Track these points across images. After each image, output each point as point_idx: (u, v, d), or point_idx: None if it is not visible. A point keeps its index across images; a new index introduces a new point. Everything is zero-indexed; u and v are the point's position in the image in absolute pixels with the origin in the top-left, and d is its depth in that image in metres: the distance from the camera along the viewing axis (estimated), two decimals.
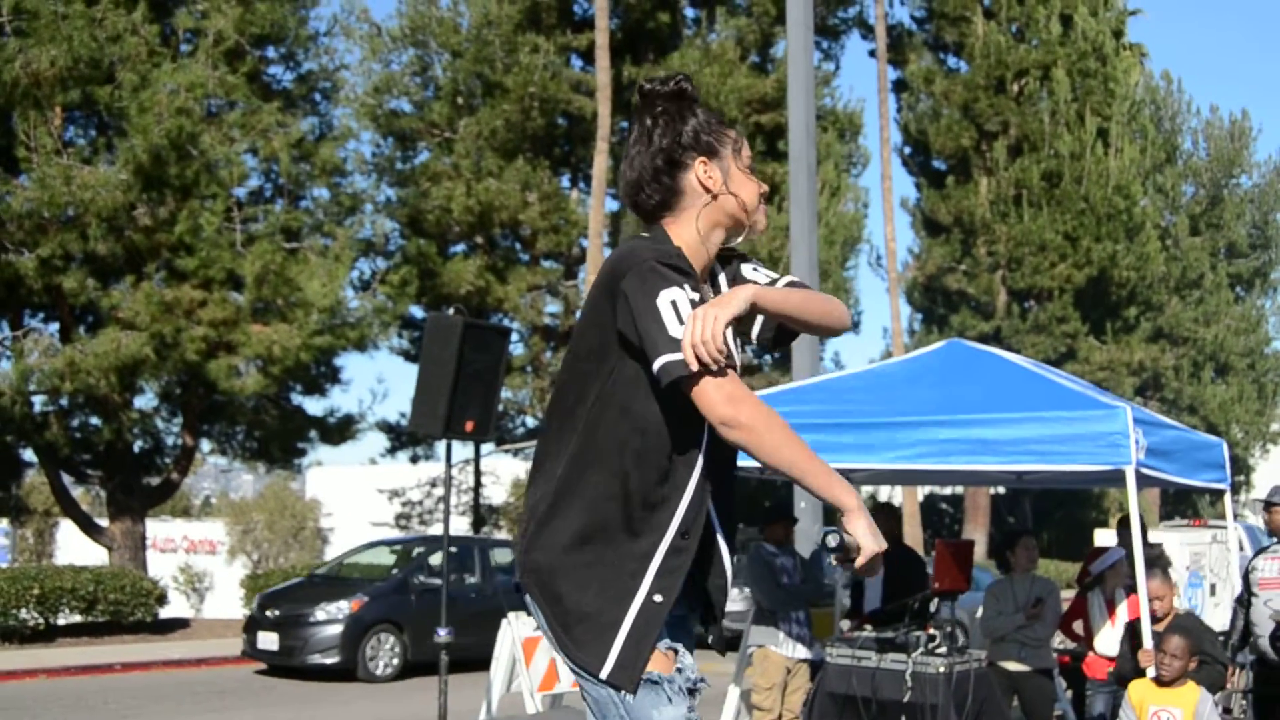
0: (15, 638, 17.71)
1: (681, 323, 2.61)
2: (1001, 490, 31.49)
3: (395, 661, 15.97)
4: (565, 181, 28.06)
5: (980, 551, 23.17)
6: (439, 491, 30.70)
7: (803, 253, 13.17)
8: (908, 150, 32.37)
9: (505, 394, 26.13)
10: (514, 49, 25.52)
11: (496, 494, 35.25)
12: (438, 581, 16.17)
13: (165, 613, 20.05)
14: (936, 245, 31.11)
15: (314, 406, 29.81)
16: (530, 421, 29.20)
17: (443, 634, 9.78)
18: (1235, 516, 9.15)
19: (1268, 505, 8.49)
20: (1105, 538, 19.41)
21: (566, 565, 2.74)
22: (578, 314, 26.32)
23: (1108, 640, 8.82)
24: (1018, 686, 8.61)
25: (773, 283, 2.97)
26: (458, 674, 15.63)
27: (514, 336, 25.68)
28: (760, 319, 3.00)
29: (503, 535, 35.69)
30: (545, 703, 9.75)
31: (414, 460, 29.66)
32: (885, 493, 33.55)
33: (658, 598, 2.72)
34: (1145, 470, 7.37)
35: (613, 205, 27.27)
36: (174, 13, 19.93)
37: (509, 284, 26.13)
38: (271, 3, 20.36)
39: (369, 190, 24.71)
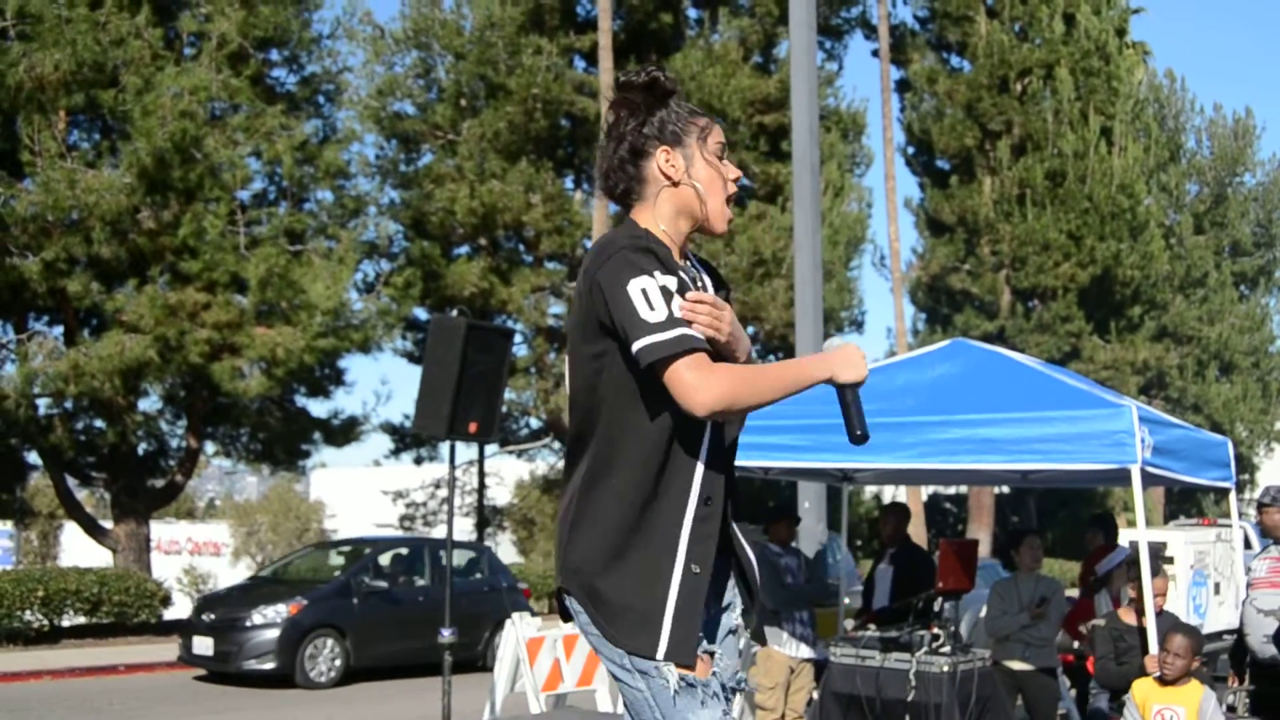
0: (20, 639, 17.74)
1: (652, 308, 2.71)
2: (1005, 490, 31.48)
3: (337, 667, 15.32)
4: (569, 183, 28.08)
5: (984, 551, 23.17)
6: (443, 493, 30.72)
7: (806, 253, 13.17)
8: (911, 150, 32.35)
9: (509, 395, 26.14)
10: (517, 51, 25.53)
11: (500, 495, 35.26)
12: (384, 584, 16.16)
13: (169, 614, 20.07)
14: (940, 245, 31.09)
15: (318, 408, 29.71)
16: (534, 423, 29.23)
17: (446, 634, 9.79)
18: (1240, 515, 9.12)
19: (1260, 506, 8.49)
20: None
21: (603, 560, 2.81)
22: None
23: None
24: (1022, 686, 8.61)
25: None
26: (403, 680, 15.38)
27: (517, 338, 25.70)
28: None
29: (507, 535, 35.75)
30: (549, 703, 9.76)
31: (418, 462, 29.67)
32: (889, 492, 33.54)
33: (695, 568, 2.79)
34: (1151, 469, 7.36)
35: (616, 207, 27.28)
36: (178, 16, 19.96)
37: (512, 285, 26.13)
38: (275, 6, 20.39)
39: (373, 192, 24.78)
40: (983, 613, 9.86)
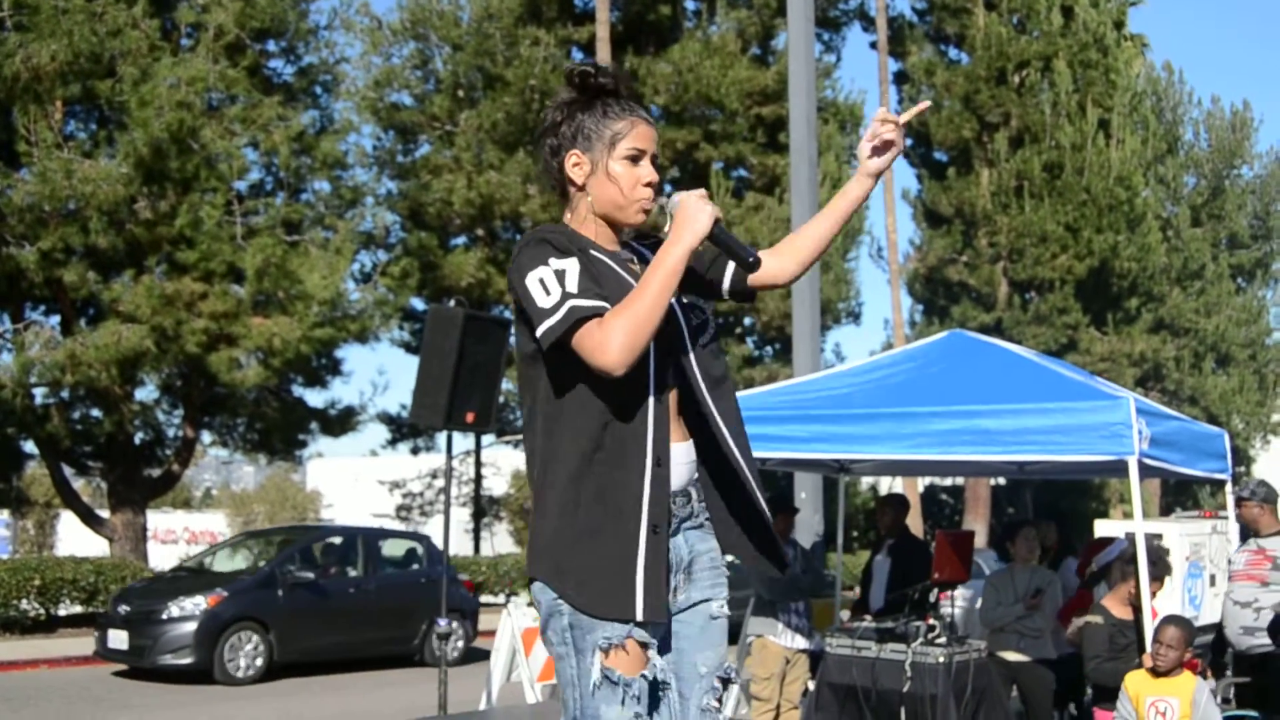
0: (16, 628, 17.76)
1: (548, 293, 2.85)
2: (1002, 481, 31.50)
3: (259, 662, 14.68)
4: None
5: (980, 542, 23.20)
6: (440, 483, 30.75)
7: None
8: (909, 142, 32.08)
9: (506, 385, 26.15)
10: (514, 42, 25.51)
11: (497, 485, 35.30)
12: (311, 575, 15.51)
13: None
14: (937, 237, 31.08)
15: (315, 398, 29.80)
16: None
17: (442, 624, 9.79)
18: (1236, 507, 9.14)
19: (1239, 500, 8.51)
20: (1106, 529, 19.40)
21: (567, 540, 2.91)
22: None
23: None
24: (1017, 677, 8.63)
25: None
26: (331, 675, 15.07)
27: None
28: (729, 272, 3.28)
29: (504, 525, 35.76)
30: (545, 693, 9.77)
31: (415, 452, 29.71)
32: (886, 484, 33.56)
33: (657, 529, 2.91)
34: (1148, 461, 7.37)
35: None
36: (175, 7, 19.93)
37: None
38: None
39: (370, 183, 24.73)
40: (978, 603, 9.88)
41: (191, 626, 14.27)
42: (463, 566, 21.69)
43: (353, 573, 16.28)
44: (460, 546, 28.88)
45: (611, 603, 2.86)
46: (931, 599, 8.24)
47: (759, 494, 3.12)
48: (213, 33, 19.20)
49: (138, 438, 21.58)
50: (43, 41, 17.30)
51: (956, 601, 11.78)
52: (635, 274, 3.04)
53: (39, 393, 19.61)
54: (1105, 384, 8.66)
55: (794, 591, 9.03)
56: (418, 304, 26.47)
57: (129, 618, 14.54)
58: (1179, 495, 38.67)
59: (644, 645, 2.91)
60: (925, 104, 3.86)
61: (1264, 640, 7.97)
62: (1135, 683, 6.91)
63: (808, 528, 11.73)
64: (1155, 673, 6.79)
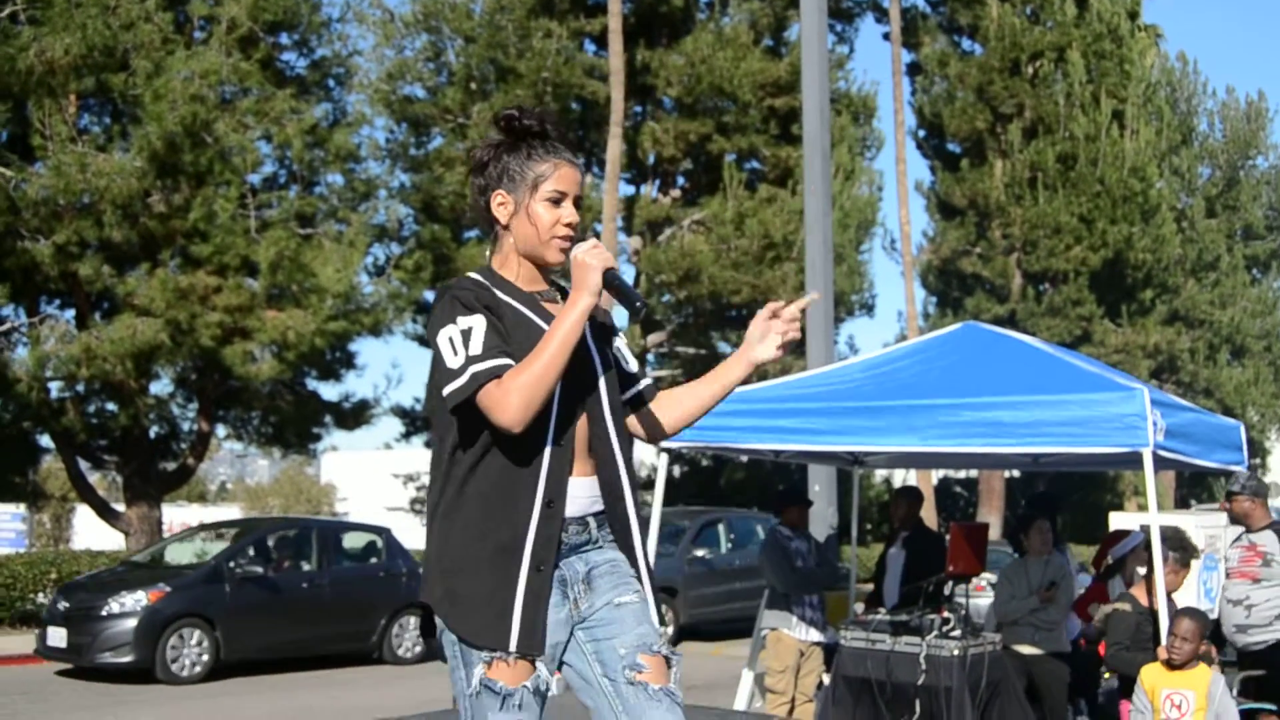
0: (33, 622, 17.81)
1: (455, 353, 3.06)
2: (1016, 473, 31.44)
3: (204, 660, 14.14)
4: None
5: (994, 535, 23.16)
6: None
7: (817, 236, 13.16)
8: (922, 133, 32.26)
9: None
10: (527, 34, 25.48)
11: None
12: (260, 569, 15.00)
13: None
14: (951, 228, 31.02)
15: (329, 391, 29.82)
16: None
17: None
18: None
19: (1230, 494, 8.47)
20: (1121, 521, 19.36)
21: (455, 570, 3.11)
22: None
23: None
24: (1031, 669, 8.61)
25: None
26: (282, 674, 14.59)
27: None
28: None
29: None
30: (560, 685, 9.75)
31: (429, 445, 29.70)
32: (900, 476, 33.54)
33: (541, 568, 3.10)
34: (1163, 452, 7.34)
35: (627, 190, 27.25)
36: (188, 0, 19.95)
37: None
38: None
39: (383, 176, 24.72)
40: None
41: (131, 623, 13.72)
42: None
43: (306, 566, 15.75)
44: None
45: (489, 634, 3.06)
46: (947, 591, 8.21)
47: (638, 530, 3.32)
48: (225, 25, 19.22)
49: (153, 431, 21.64)
50: (56, 35, 17.32)
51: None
52: (550, 315, 3.19)
53: (54, 386, 19.66)
54: (1120, 376, 8.64)
55: (808, 585, 9.03)
56: (431, 297, 26.48)
57: (69, 614, 14.04)
58: (1194, 487, 38.57)
59: (527, 659, 3.10)
60: (814, 296, 4.05)
61: (1258, 636, 7.96)
62: (1151, 675, 6.89)
63: (822, 520, 11.73)
64: (1171, 665, 6.78)
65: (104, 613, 13.87)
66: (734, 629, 19.16)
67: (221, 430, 23.75)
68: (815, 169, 13.30)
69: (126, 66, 18.45)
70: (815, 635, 9.04)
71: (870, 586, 10.55)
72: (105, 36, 17.74)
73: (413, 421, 28.75)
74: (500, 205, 3.24)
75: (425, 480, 31.56)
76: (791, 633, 8.96)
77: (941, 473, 34.93)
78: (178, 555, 16.00)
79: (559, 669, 3.26)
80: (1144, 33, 34.64)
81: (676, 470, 33.32)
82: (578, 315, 3.08)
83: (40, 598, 17.95)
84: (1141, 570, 9.07)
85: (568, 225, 3.23)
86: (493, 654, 3.07)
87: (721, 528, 20.55)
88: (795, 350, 28.24)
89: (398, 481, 32.67)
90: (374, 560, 16.56)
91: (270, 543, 15.88)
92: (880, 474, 34.07)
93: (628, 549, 3.30)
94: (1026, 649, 8.55)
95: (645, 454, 36.12)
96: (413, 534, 20.81)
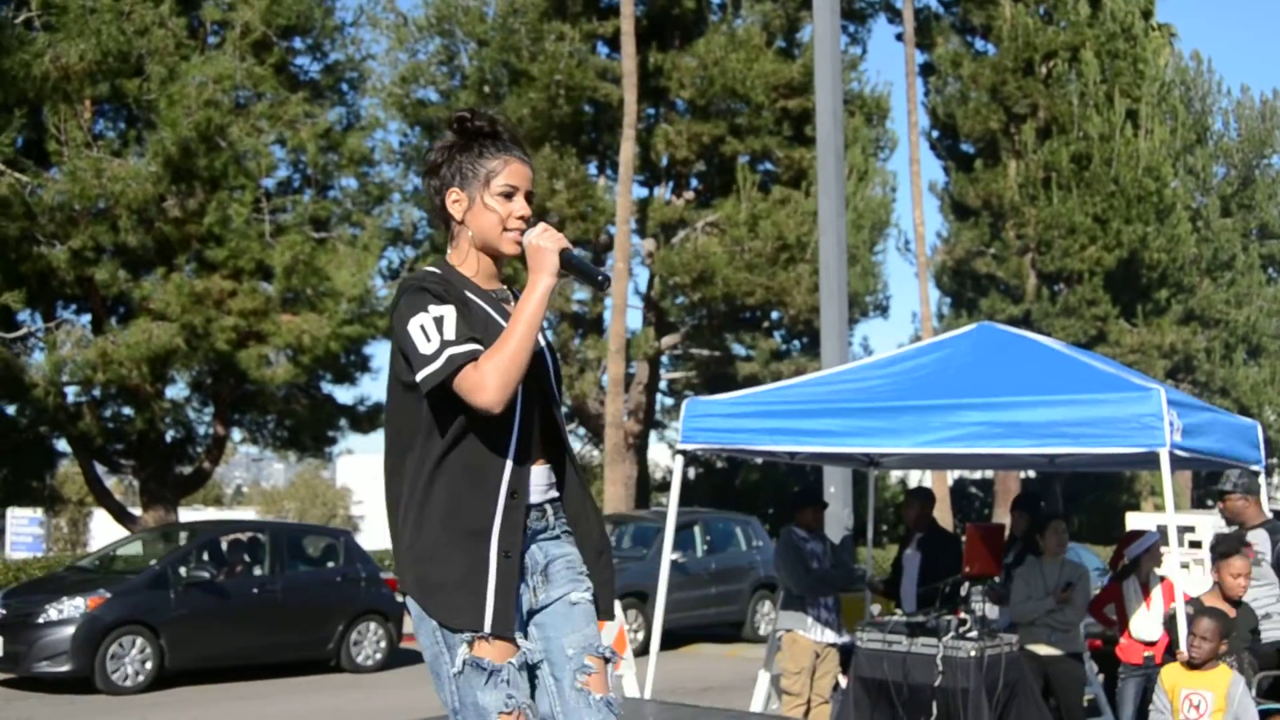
0: None
1: (428, 339, 3.17)
2: (1032, 474, 31.36)
3: (147, 669, 13.55)
4: (592, 169, 28.05)
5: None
6: None
7: (831, 237, 13.15)
8: (935, 134, 32.22)
9: None
10: (540, 37, 25.50)
11: None
12: (206, 575, 14.43)
13: None
14: (965, 229, 30.97)
15: (344, 395, 29.87)
16: None
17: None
18: (1270, 499, 9.07)
19: (1223, 494, 8.42)
20: (1137, 521, 19.31)
21: (430, 553, 3.23)
22: (606, 300, 26.26)
23: (1143, 625, 8.78)
24: (1047, 670, 8.59)
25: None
26: (231, 683, 14.02)
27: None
28: None
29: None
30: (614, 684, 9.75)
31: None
32: (915, 477, 33.46)
33: (508, 554, 3.25)
34: (1179, 452, 7.32)
35: (640, 192, 27.24)
36: (201, 5, 20.00)
37: None
38: None
39: (397, 179, 24.78)
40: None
41: (69, 631, 13.17)
42: None
43: (259, 571, 15.13)
44: None
45: (465, 616, 3.19)
46: (963, 592, 8.20)
47: (597, 512, 3.56)
48: (239, 30, 19.27)
49: (169, 435, 21.70)
50: (71, 41, 17.39)
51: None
52: (507, 313, 3.36)
53: (71, 391, 19.73)
54: (1136, 376, 8.62)
55: (823, 586, 9.02)
56: None
57: (5, 621, 13.51)
58: (1210, 486, 38.40)
59: (504, 637, 3.23)
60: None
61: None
62: (1171, 675, 6.87)
63: (837, 522, 11.72)
64: (1190, 665, 6.75)
65: (40, 620, 13.29)
66: (709, 634, 19.03)
67: (237, 434, 23.82)
68: (829, 170, 13.30)
69: (141, 72, 18.51)
70: (831, 637, 9.03)
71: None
72: (120, 42, 17.80)
73: None
74: (455, 202, 3.39)
75: None
76: (807, 634, 8.95)
77: (957, 473, 34.85)
78: (126, 560, 15.47)
79: None
80: (1158, 32, 34.54)
81: (691, 472, 33.32)
82: (539, 295, 3.26)
83: None
84: (1158, 571, 9.04)
85: (520, 218, 3.37)
86: (473, 634, 3.20)
87: (697, 530, 19.71)
88: (810, 352, 28.21)
89: None
90: (331, 565, 16.06)
91: (221, 547, 15.32)
92: (895, 475, 34.01)
93: (580, 534, 3.48)
94: (1043, 650, 8.53)
95: (661, 457, 36.12)
96: None
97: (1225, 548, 7.67)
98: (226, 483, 60.58)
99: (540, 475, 3.40)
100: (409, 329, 3.21)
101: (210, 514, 44.54)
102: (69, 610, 13.35)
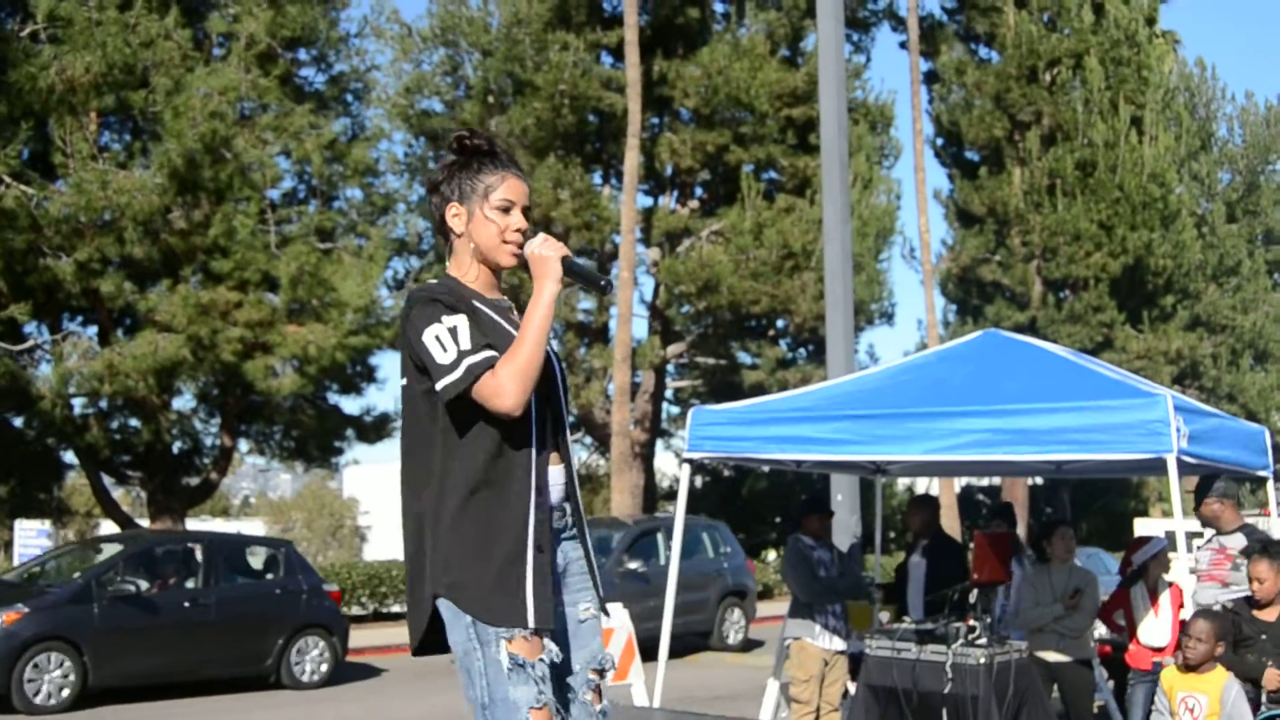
0: None
1: (444, 350, 3.27)
2: (1039, 481, 31.34)
3: (70, 686, 12.92)
4: (597, 178, 28.08)
5: None
6: None
7: (836, 245, 13.16)
8: (940, 141, 32.23)
9: None
10: (544, 47, 25.54)
11: None
12: (133, 587, 13.86)
13: None
14: (970, 236, 30.96)
15: (350, 405, 29.97)
16: None
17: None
18: (1278, 504, 9.04)
19: (1198, 499, 8.39)
20: (1146, 527, 19.28)
21: (469, 557, 3.31)
22: (612, 310, 26.26)
23: (1152, 630, 8.76)
24: (1057, 677, 8.57)
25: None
26: (160, 701, 13.43)
27: None
28: None
29: None
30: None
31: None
32: (922, 484, 33.44)
33: (541, 549, 3.35)
34: (1187, 458, 7.31)
35: (645, 201, 27.27)
36: (206, 17, 20.06)
37: None
38: (302, 5, 20.46)
39: (401, 190, 24.81)
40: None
41: None
42: None
43: (192, 584, 14.48)
44: None
45: (507, 614, 3.29)
46: (972, 599, 8.18)
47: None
48: (244, 42, 19.32)
49: (176, 447, 21.72)
50: (77, 53, 17.43)
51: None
52: (514, 322, 3.48)
53: (78, 403, 19.76)
54: (1142, 382, 8.61)
55: (831, 594, 9.01)
56: None
57: None
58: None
59: (538, 634, 3.32)
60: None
61: None
62: (1169, 677, 6.86)
63: (844, 529, 11.71)
64: (1187, 667, 6.74)
65: None
66: (674, 645, 18.59)
67: (244, 445, 23.83)
68: (833, 178, 13.30)
69: (146, 84, 18.55)
70: (839, 644, 9.02)
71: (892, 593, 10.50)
72: (125, 54, 17.84)
73: None
74: (455, 217, 3.52)
75: None
76: (815, 642, 8.94)
77: (964, 480, 34.82)
78: (50, 573, 14.85)
79: None
80: (1161, 39, 34.55)
81: (698, 481, 33.31)
82: (546, 301, 3.37)
83: None
84: (1167, 576, 9.03)
85: (517, 231, 3.49)
86: (511, 630, 3.28)
87: (660, 537, 18.80)
88: (816, 360, 28.17)
89: None
90: (271, 577, 15.38)
91: (153, 559, 14.70)
92: (903, 482, 33.98)
93: (581, 537, 3.60)
94: (1052, 656, 8.51)
95: (667, 466, 36.09)
96: None
97: (1245, 550, 7.63)
98: (233, 494, 60.61)
99: (557, 475, 3.51)
100: (424, 340, 3.30)
101: (218, 525, 44.61)
102: None
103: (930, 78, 32.13)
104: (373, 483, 51.65)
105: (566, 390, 3.64)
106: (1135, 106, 29.29)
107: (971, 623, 7.76)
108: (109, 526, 28.40)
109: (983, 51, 31.85)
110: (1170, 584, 8.88)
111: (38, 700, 12.77)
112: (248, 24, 19.39)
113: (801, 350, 29.46)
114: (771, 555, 32.54)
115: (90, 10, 17.84)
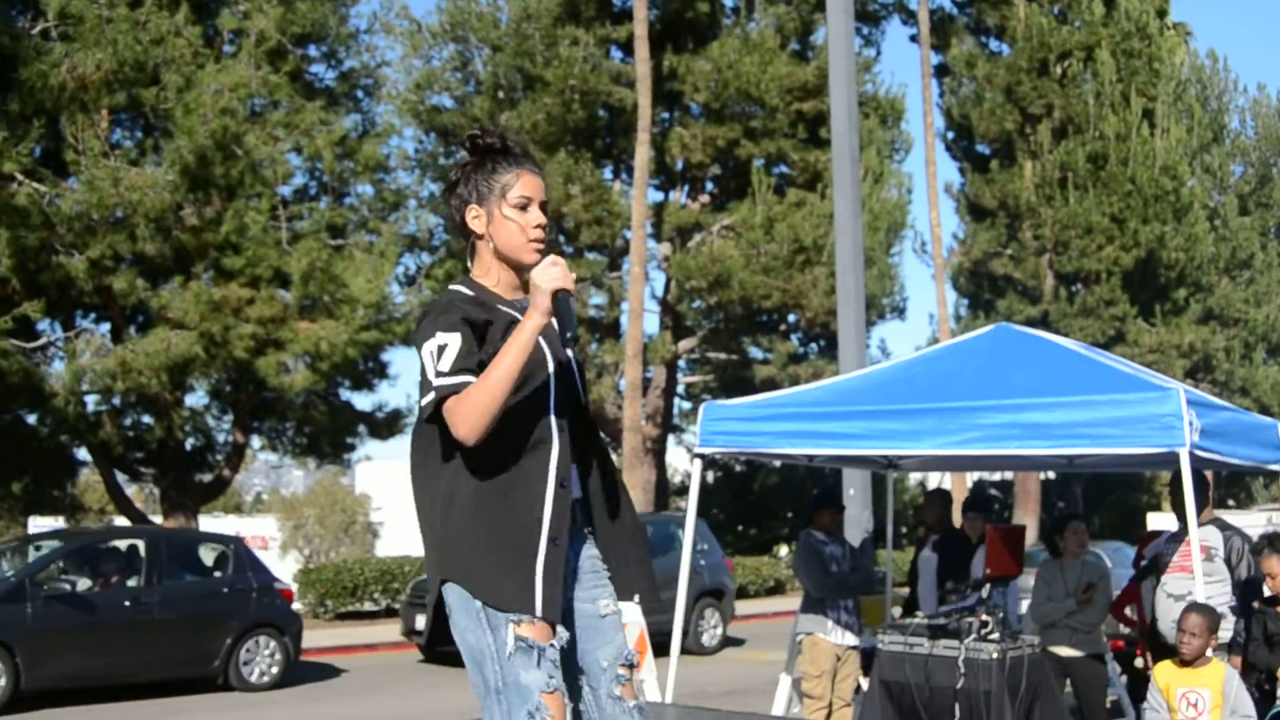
0: None
1: (428, 369, 3.29)
2: (1051, 475, 31.29)
3: (1, 689, 12.47)
4: (607, 173, 28.09)
5: (1030, 538, 23.05)
6: None
7: (847, 239, 13.13)
8: (951, 135, 32.19)
9: None
10: (554, 42, 25.54)
11: None
12: (69, 586, 13.36)
13: None
14: (982, 230, 30.92)
15: (362, 401, 29.96)
16: None
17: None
18: None
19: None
20: (1159, 521, 19.23)
21: (479, 547, 3.32)
22: (623, 305, 26.25)
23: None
24: (1069, 672, 8.56)
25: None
26: (104, 704, 12.95)
27: None
28: None
29: None
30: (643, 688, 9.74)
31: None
32: (934, 479, 33.40)
33: (557, 541, 3.36)
34: (1199, 452, 7.28)
35: (655, 196, 27.25)
36: (217, 14, 20.08)
37: None
38: (312, 1, 20.48)
39: (412, 186, 24.84)
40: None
41: None
42: None
43: (134, 582, 13.92)
44: None
45: (516, 599, 3.30)
46: (985, 594, 8.17)
47: (633, 510, 3.71)
48: (254, 38, 19.33)
49: (188, 443, 21.77)
50: (88, 51, 17.46)
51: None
52: None
53: (91, 400, 19.81)
54: (1154, 376, 8.58)
55: (843, 589, 9.01)
56: None
57: None
58: (1231, 487, 38.27)
59: (550, 621, 3.33)
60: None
61: None
62: (1164, 674, 6.83)
63: (856, 524, 11.69)
64: (1183, 662, 6.72)
65: None
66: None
67: (256, 441, 23.89)
68: (844, 172, 13.27)
69: (157, 81, 18.58)
70: (851, 639, 9.01)
71: (907, 590, 10.50)
72: (136, 52, 17.87)
73: None
74: (475, 218, 3.52)
75: None
76: (827, 637, 8.94)
77: (976, 475, 34.77)
78: None
79: None
80: (1173, 30, 34.45)
81: (710, 476, 33.30)
82: (526, 337, 3.32)
83: None
84: None
85: (537, 227, 3.50)
86: (520, 615, 3.29)
87: (659, 533, 18.05)
88: (827, 354, 28.14)
89: None
90: (219, 574, 14.72)
91: (94, 556, 14.19)
92: (915, 477, 33.95)
93: (612, 536, 3.63)
94: (1065, 651, 8.50)
95: (679, 461, 36.09)
96: None
97: (1257, 545, 7.59)
98: (246, 490, 60.69)
99: (576, 472, 3.54)
100: (421, 353, 3.35)
101: (231, 521, 44.67)
102: None
103: (941, 71, 32.08)
104: (385, 479, 51.58)
105: (585, 392, 3.67)
106: (1147, 99, 29.22)
107: (984, 617, 7.75)
108: (122, 524, 28.47)
109: (993, 44, 31.81)
110: None
111: None
112: (258, 20, 19.41)
113: (813, 345, 29.46)
114: (783, 550, 32.51)
115: (101, 8, 17.87)
